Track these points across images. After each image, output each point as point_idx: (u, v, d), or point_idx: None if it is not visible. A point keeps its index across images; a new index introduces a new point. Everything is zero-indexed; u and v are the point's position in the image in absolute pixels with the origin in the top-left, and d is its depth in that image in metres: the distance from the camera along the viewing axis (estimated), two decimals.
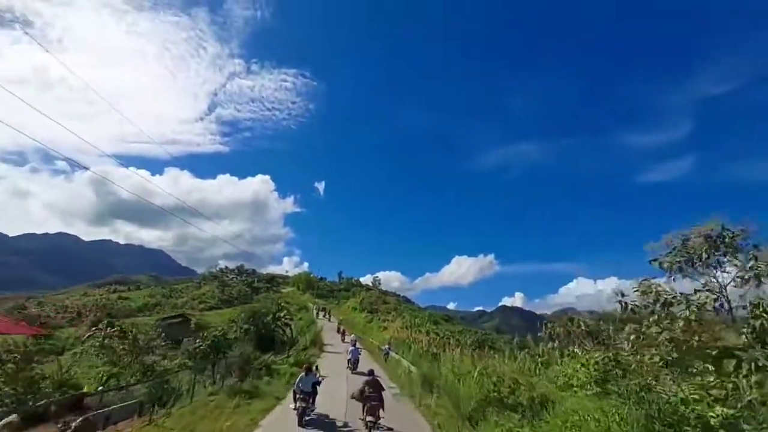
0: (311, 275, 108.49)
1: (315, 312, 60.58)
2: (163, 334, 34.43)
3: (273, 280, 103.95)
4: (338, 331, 39.24)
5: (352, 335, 33.72)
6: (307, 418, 11.44)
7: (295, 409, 11.50)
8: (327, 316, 59.15)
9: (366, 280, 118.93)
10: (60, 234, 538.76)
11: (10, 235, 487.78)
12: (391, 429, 10.91)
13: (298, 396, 11.60)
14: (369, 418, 10.39)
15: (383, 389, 11.52)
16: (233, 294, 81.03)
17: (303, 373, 12.20)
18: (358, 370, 20.85)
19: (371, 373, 12.19)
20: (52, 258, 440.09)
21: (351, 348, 23.18)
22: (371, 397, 10.82)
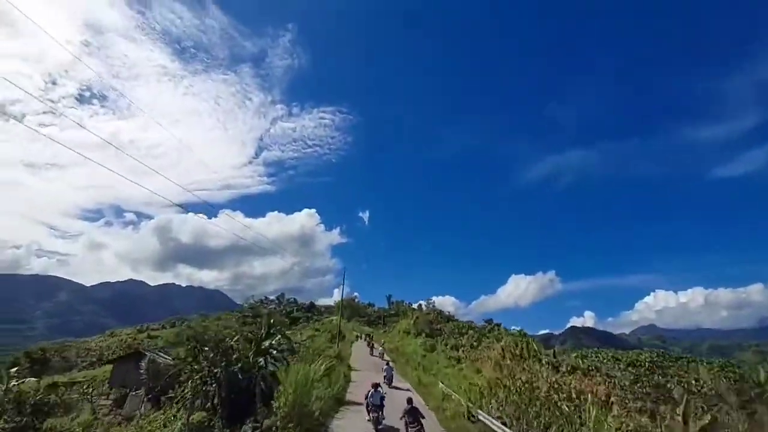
0: (354, 300, 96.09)
1: (358, 340, 53.20)
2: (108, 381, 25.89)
3: (313, 309, 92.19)
4: (368, 345, 44.19)
5: (380, 349, 42.27)
6: (380, 426, 13.84)
7: (369, 420, 14.35)
8: (368, 344, 48.34)
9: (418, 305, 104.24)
10: (130, 281, 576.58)
11: (88, 285, 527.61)
12: None
13: (371, 408, 14.47)
14: None
15: (423, 417, 12.09)
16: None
17: (372, 390, 14.90)
18: (393, 384, 22.88)
19: (410, 401, 12.57)
20: (122, 304, 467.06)
21: (385, 366, 24.98)
22: (413, 425, 11.60)
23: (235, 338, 17.87)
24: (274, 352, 17.57)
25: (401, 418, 12.19)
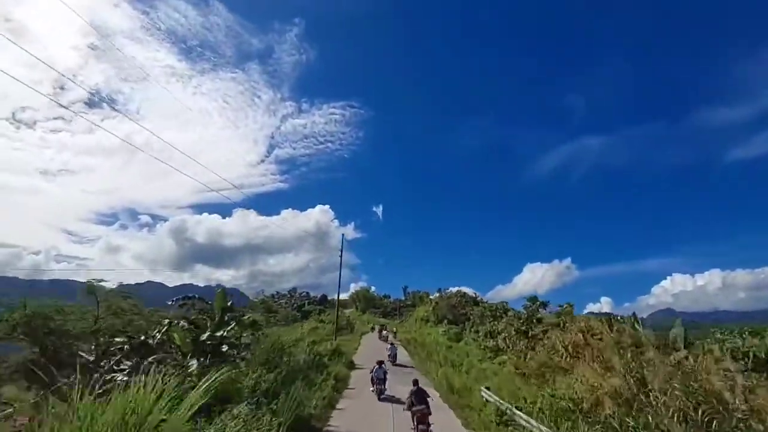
0: (369, 291, 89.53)
1: (372, 332, 47.33)
2: None
3: (326, 302, 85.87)
4: (378, 333, 43.33)
5: (389, 335, 41.05)
6: (382, 396, 16.35)
7: (373, 390, 16.74)
8: (379, 331, 44.94)
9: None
10: (148, 283, 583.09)
11: (107, 289, 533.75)
12: None
13: (375, 381, 16.83)
14: (420, 426, 10.90)
15: (429, 396, 11.98)
16: (278, 319, 66.21)
17: (377, 366, 17.30)
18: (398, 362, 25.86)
19: (416, 383, 12.36)
20: (142, 305, 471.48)
21: (389, 346, 28.33)
22: (419, 406, 11.32)
23: (163, 330, 11.47)
24: (225, 348, 11.05)
25: (407, 399, 11.89)
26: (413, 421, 11.26)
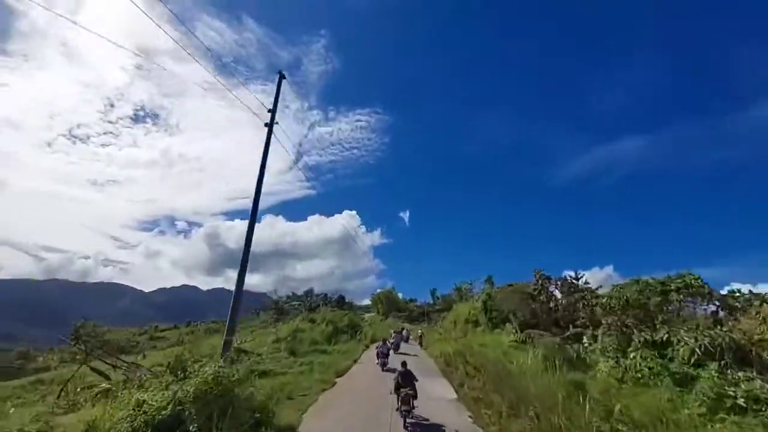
0: (393, 293, 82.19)
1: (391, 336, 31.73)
2: None
3: (344, 303, 79.12)
4: (396, 333, 33.80)
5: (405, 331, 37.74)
6: (385, 368, 19.73)
7: (378, 363, 20.41)
8: (398, 332, 34.58)
9: None
10: (184, 286, 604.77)
11: (146, 291, 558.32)
12: (428, 419, 11.34)
13: (380, 355, 20.73)
14: (404, 407, 10.99)
15: (416, 380, 12.06)
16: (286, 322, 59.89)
17: (381, 343, 22.28)
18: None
19: (404, 365, 12.72)
20: (177, 308, 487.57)
21: (394, 334, 31.05)
22: (405, 387, 11.47)
23: None
24: None
25: (394, 380, 12.10)
26: (398, 402, 11.44)
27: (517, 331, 26.15)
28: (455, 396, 14.58)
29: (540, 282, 30.75)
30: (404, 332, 37.54)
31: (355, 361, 22.76)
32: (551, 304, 29.02)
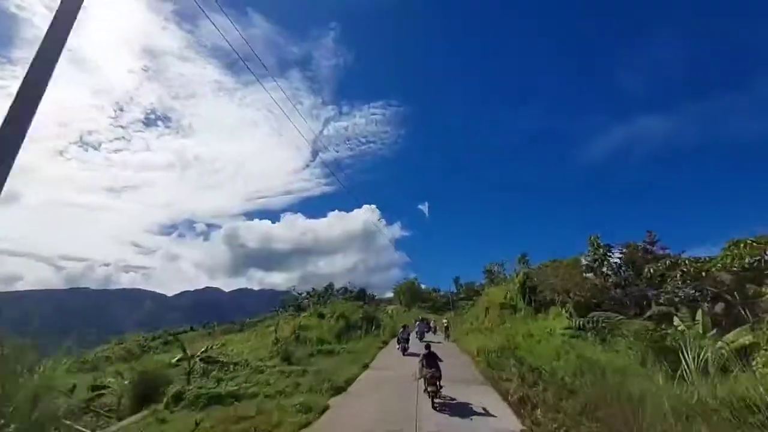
0: (415, 283, 78.02)
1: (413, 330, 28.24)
2: None
3: (364, 296, 74.57)
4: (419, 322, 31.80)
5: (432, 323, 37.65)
6: (406, 353, 20.48)
7: (398, 348, 21.54)
8: (419, 321, 32.05)
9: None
10: (206, 288, 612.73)
11: (169, 295, 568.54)
12: (454, 399, 11.20)
13: (401, 340, 21.80)
14: (431, 389, 10.97)
15: (440, 360, 12.10)
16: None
17: (402, 329, 23.12)
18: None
19: (428, 347, 12.64)
20: (201, 310, 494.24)
21: (417, 323, 29.80)
22: (430, 369, 11.39)
23: None
24: None
25: (418, 365, 12.04)
26: (424, 384, 11.34)
27: (571, 315, 21.60)
28: (519, 427, 8.79)
29: (599, 251, 24.71)
30: (428, 323, 35.17)
31: (366, 366, 17.38)
32: (616, 278, 23.69)
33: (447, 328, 31.32)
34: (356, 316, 32.92)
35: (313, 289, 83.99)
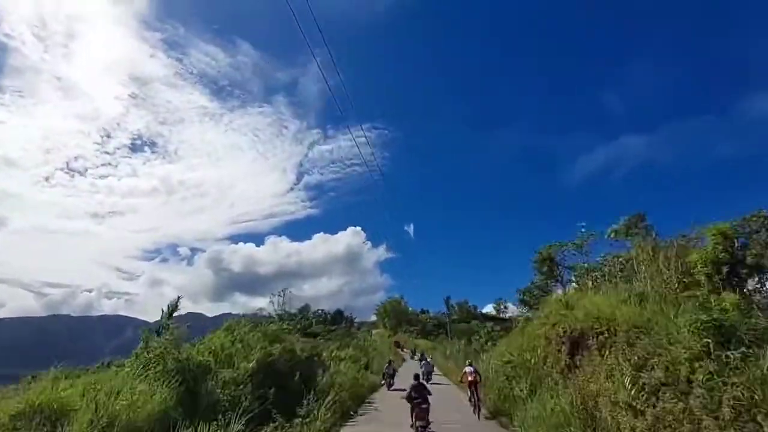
0: (401, 303, 75.81)
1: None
2: None
3: (343, 320, 72.14)
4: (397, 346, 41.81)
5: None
6: (391, 388, 21.08)
7: (382, 383, 22.16)
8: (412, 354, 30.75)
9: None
10: (189, 313, 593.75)
11: (150, 321, 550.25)
12: None
13: (386, 376, 22.25)
14: (419, 423, 10.65)
15: (429, 393, 11.84)
16: None
17: (387, 364, 24.10)
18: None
19: (416, 377, 12.46)
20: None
21: (423, 362, 26.53)
22: (419, 402, 11.08)
23: None
24: None
25: (408, 393, 11.40)
26: (412, 417, 11.05)
27: None
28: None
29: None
30: (425, 358, 31.04)
31: None
32: None
33: (474, 384, 14.98)
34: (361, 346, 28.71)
35: (285, 311, 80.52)
